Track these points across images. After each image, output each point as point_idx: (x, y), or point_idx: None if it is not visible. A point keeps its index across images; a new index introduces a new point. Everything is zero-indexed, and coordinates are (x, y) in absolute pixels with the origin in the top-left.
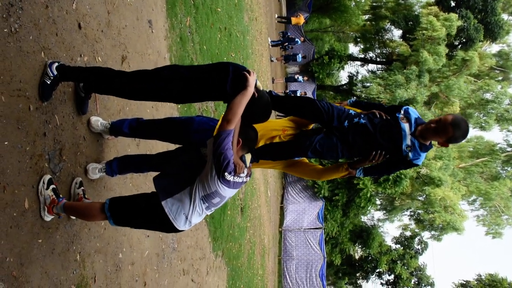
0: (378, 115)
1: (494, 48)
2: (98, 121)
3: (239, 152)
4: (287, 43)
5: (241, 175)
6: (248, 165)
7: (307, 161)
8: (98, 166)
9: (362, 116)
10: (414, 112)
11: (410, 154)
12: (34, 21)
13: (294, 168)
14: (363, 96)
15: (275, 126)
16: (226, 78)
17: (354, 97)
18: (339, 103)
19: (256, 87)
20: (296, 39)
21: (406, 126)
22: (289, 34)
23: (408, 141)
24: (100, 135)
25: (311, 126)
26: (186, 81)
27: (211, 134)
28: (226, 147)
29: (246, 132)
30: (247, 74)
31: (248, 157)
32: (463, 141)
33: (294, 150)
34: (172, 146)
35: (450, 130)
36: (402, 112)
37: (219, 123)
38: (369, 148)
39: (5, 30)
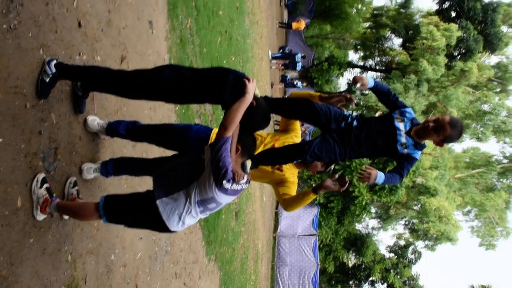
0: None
1: (493, 59)
2: (94, 121)
3: (238, 159)
4: (288, 60)
5: (241, 182)
6: (248, 172)
7: (288, 185)
8: (93, 166)
9: (355, 117)
10: (411, 114)
11: (406, 150)
12: (33, 18)
13: (276, 187)
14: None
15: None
16: (225, 85)
17: (373, 82)
18: (359, 79)
19: (254, 94)
20: (297, 55)
21: (400, 125)
22: (287, 48)
23: (403, 139)
24: (97, 134)
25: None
26: (186, 82)
27: (207, 142)
28: (224, 154)
29: (245, 138)
30: (246, 81)
31: (248, 163)
32: (457, 141)
33: (294, 154)
34: (168, 152)
35: (448, 129)
36: (397, 112)
37: (214, 130)
38: (365, 148)
39: (4, 26)
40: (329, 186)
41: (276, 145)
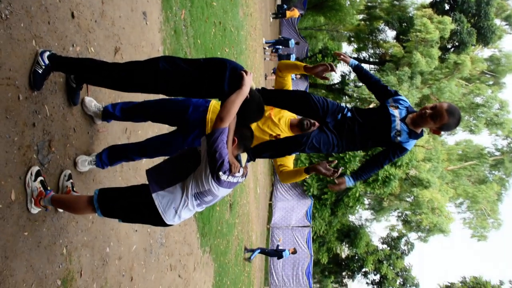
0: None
1: (486, 52)
2: (92, 102)
3: (234, 151)
4: (281, 45)
5: (236, 175)
6: (244, 165)
7: (286, 156)
8: (87, 158)
9: (350, 108)
10: (405, 101)
11: (398, 138)
12: (25, 8)
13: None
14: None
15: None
16: (223, 76)
17: (357, 62)
18: (343, 57)
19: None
20: (291, 40)
21: (395, 112)
22: (281, 37)
23: (397, 126)
24: (90, 125)
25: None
26: (182, 74)
27: (205, 115)
28: (220, 145)
29: (242, 131)
30: (244, 74)
31: (244, 156)
32: (454, 129)
33: (292, 147)
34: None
35: (446, 117)
36: (391, 100)
37: (212, 101)
38: (360, 139)
39: None
40: (320, 170)
41: (272, 113)
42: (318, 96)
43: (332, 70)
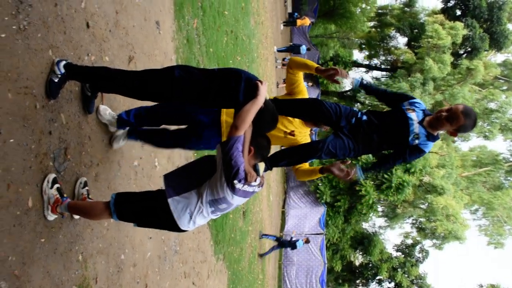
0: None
1: (499, 57)
2: (106, 110)
3: (251, 160)
4: (292, 52)
5: (253, 184)
6: (261, 174)
7: None
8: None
9: (365, 112)
10: (421, 104)
11: (417, 141)
12: (42, 19)
13: None
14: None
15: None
16: (238, 86)
17: (361, 78)
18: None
19: None
20: (302, 46)
21: (413, 115)
22: (292, 43)
23: (415, 129)
24: (105, 133)
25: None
26: (198, 83)
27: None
28: (235, 153)
29: (258, 140)
30: (259, 83)
31: (261, 166)
32: (471, 131)
33: (308, 154)
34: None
35: (462, 118)
36: (406, 103)
37: (224, 127)
38: (377, 141)
39: (13, 27)
40: (334, 172)
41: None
42: (330, 102)
43: (343, 75)
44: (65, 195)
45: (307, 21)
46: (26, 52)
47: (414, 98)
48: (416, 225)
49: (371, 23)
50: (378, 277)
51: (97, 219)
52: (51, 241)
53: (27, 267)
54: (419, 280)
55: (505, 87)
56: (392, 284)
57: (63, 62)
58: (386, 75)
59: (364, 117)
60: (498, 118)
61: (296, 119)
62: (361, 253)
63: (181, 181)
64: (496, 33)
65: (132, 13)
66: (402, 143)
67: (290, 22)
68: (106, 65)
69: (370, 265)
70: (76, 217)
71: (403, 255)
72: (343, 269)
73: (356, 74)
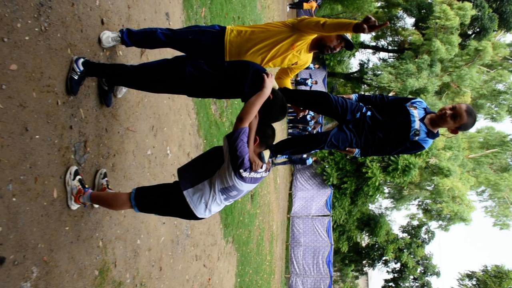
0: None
1: (508, 37)
2: (108, 37)
3: (256, 149)
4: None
5: (259, 170)
6: (266, 161)
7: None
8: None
9: (369, 107)
10: (422, 103)
11: (416, 137)
12: (61, 19)
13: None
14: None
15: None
16: (245, 79)
17: (357, 94)
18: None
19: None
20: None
21: (414, 112)
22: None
23: (416, 125)
24: (120, 125)
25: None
26: (208, 78)
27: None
28: (240, 144)
29: (264, 130)
30: (265, 76)
31: (266, 153)
32: (470, 129)
33: (312, 144)
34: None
35: (465, 117)
36: (408, 103)
37: (227, 48)
38: (379, 137)
39: (36, 29)
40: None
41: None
42: (337, 96)
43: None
44: (86, 186)
45: (313, 4)
46: (47, 52)
47: (415, 98)
48: (422, 207)
49: (378, 3)
50: (384, 258)
51: (118, 209)
52: (74, 229)
53: (54, 253)
54: (425, 261)
55: None
56: (398, 264)
57: (82, 60)
58: (393, 56)
59: (369, 113)
60: (506, 99)
61: (302, 53)
62: (367, 234)
63: (193, 173)
64: (506, 13)
65: (143, 6)
66: (403, 137)
67: (296, 4)
68: (119, 59)
69: (376, 246)
70: (96, 206)
71: (409, 236)
72: (349, 250)
73: (363, 55)
